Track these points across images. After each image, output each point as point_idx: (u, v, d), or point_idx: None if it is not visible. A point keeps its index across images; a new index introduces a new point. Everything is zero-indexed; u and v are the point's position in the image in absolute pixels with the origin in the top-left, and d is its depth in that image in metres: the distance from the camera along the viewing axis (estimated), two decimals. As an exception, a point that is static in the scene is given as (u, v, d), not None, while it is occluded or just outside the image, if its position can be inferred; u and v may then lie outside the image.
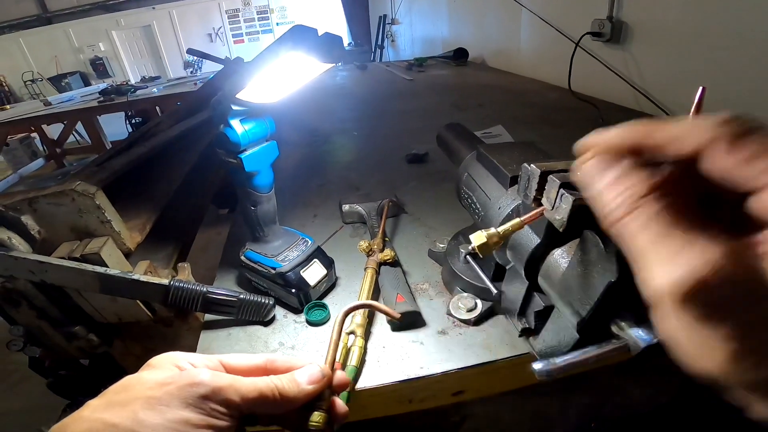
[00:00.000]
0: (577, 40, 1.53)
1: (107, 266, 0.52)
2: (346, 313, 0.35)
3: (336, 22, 7.30)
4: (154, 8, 8.49)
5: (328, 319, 0.55)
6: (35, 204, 0.55)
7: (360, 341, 0.49)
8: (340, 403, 0.34)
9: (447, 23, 3.31)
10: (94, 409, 0.25)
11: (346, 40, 6.40)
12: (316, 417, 0.32)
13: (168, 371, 0.28)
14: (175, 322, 0.60)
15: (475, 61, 2.70)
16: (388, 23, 5.10)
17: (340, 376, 0.35)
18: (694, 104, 0.28)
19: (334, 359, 0.35)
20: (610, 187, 0.19)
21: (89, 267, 0.51)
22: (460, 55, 2.66)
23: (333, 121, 1.56)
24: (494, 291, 0.49)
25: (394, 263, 0.60)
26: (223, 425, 0.27)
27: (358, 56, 4.60)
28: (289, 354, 0.52)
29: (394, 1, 4.71)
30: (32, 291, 0.56)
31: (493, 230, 0.33)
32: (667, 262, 0.15)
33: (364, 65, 2.91)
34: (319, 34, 0.41)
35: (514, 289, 0.48)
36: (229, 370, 0.32)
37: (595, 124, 1.22)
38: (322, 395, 0.33)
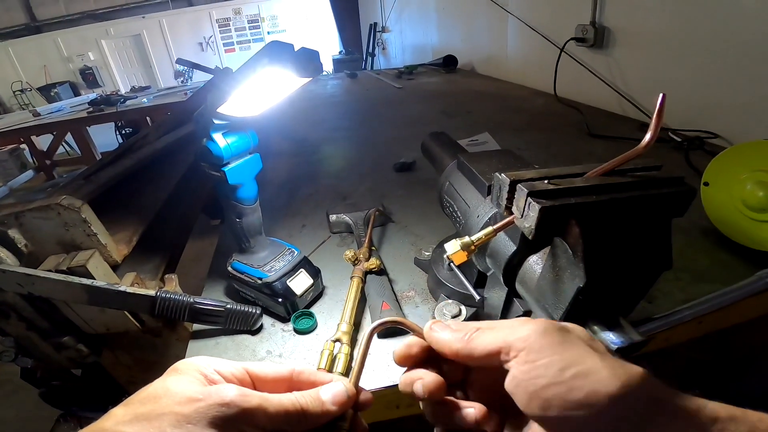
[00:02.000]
0: (561, 45, 1.55)
1: (94, 278, 0.53)
2: (374, 330, 0.34)
3: (327, 31, 7.34)
4: (144, 17, 8.49)
5: (315, 328, 0.56)
6: (21, 218, 0.55)
7: (346, 348, 0.49)
8: (362, 422, 0.33)
9: (436, 31, 3.35)
10: (117, 421, 0.24)
11: (337, 48, 6.44)
12: None
13: (195, 382, 0.28)
14: (163, 332, 0.61)
15: (465, 68, 2.73)
16: (379, 31, 5.14)
17: (364, 394, 0.33)
18: (656, 109, 0.30)
19: (359, 377, 0.33)
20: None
21: (76, 279, 0.51)
22: (449, 62, 2.69)
23: (323, 130, 1.57)
24: (477, 297, 0.50)
25: (380, 272, 0.61)
26: None
27: (349, 64, 4.63)
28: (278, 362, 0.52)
29: (385, 9, 4.75)
30: (20, 303, 0.56)
31: (467, 239, 0.34)
32: None
33: (354, 74, 2.93)
34: (296, 49, 0.42)
35: (495, 295, 0.49)
36: (255, 380, 0.31)
37: (580, 129, 1.24)
38: (344, 415, 0.31)
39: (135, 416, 0.24)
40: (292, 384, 0.32)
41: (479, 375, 0.30)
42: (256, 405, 0.27)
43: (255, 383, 0.31)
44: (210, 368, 0.29)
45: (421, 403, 0.30)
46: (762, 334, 0.82)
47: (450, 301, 0.55)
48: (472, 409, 0.28)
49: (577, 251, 0.31)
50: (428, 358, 0.31)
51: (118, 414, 0.25)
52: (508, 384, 0.25)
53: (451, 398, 0.30)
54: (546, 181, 0.32)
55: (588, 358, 0.23)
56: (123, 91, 5.26)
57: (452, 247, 0.34)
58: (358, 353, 0.33)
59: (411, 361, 0.31)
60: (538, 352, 0.24)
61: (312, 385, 0.32)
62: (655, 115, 0.30)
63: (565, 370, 0.23)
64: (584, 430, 0.22)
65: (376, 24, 5.15)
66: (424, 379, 0.28)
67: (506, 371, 0.26)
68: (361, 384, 0.32)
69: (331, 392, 0.30)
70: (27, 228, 0.56)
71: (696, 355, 0.93)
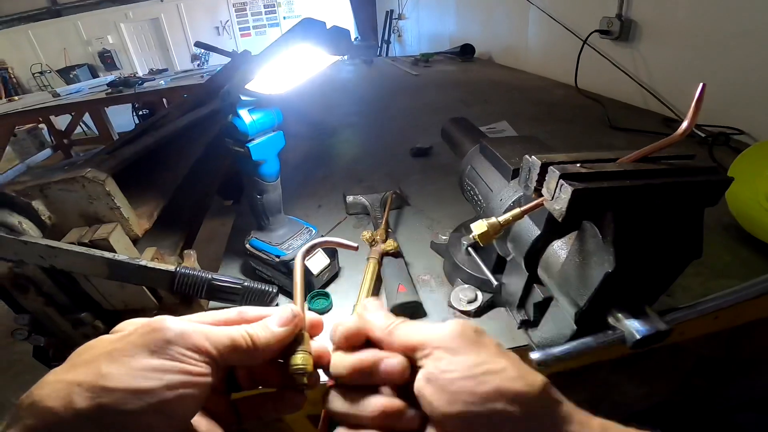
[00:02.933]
0: (584, 37, 1.52)
1: (115, 252, 0.53)
2: (306, 251, 0.35)
3: (343, 17, 7.28)
4: (162, 1, 8.51)
5: (330, 308, 0.56)
6: (46, 190, 0.56)
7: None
8: (319, 344, 0.32)
9: (454, 19, 3.30)
10: (57, 373, 0.24)
11: (353, 34, 6.38)
12: (299, 359, 0.30)
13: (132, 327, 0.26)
14: (179, 310, 0.61)
15: (482, 57, 2.69)
16: (395, 18, 5.09)
17: (312, 316, 0.33)
18: (695, 98, 0.29)
19: (303, 300, 0.33)
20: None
21: (98, 252, 0.52)
22: (466, 51, 2.65)
23: (339, 115, 1.57)
24: (495, 283, 0.50)
25: (397, 254, 0.61)
26: (197, 371, 0.25)
27: (364, 51, 4.58)
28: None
29: (402, -4, 4.70)
30: (41, 276, 0.57)
31: (494, 219, 0.34)
32: None
33: (369, 60, 2.91)
34: (327, 27, 0.41)
35: (514, 281, 0.49)
36: None
37: (601, 121, 1.22)
38: (299, 339, 0.31)
39: (72, 365, 0.24)
40: (239, 323, 0.30)
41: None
42: (194, 328, 0.26)
43: None
44: (152, 319, 0.27)
45: (332, 363, 0.29)
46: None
47: (466, 286, 0.55)
48: (397, 358, 0.27)
49: (608, 236, 0.30)
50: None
51: (57, 369, 0.24)
52: (417, 383, 0.25)
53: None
54: (578, 165, 0.31)
55: (499, 358, 0.25)
56: (141, 74, 5.30)
57: (479, 227, 0.33)
58: (295, 278, 0.34)
59: (349, 345, 0.30)
60: (453, 350, 0.25)
61: (257, 320, 0.31)
62: (693, 104, 0.29)
63: (476, 366, 0.24)
64: (486, 425, 0.23)
65: (392, 11, 5.09)
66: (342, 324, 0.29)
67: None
68: None
69: (277, 317, 0.30)
70: (51, 200, 0.56)
71: (707, 353, 0.92)
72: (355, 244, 0.33)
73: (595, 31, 1.47)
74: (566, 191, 0.28)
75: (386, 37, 5.29)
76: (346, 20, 6.81)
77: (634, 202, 0.30)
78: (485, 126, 1.18)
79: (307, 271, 0.56)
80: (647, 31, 1.32)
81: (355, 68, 2.72)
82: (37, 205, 0.57)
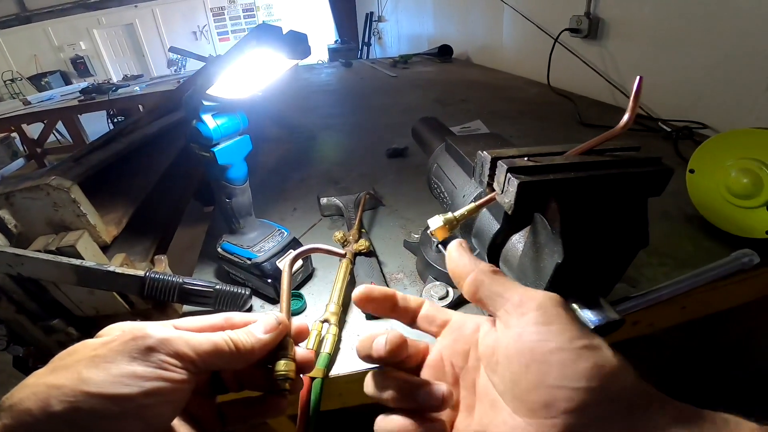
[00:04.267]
0: (556, 36, 1.55)
1: (83, 259, 0.53)
2: (294, 259, 0.35)
3: (323, 20, 7.27)
4: (136, 6, 8.38)
5: (304, 309, 0.57)
6: (11, 198, 0.55)
7: (334, 329, 0.50)
8: (303, 351, 0.33)
9: (432, 20, 3.33)
10: (38, 376, 0.24)
11: (333, 37, 6.38)
12: (282, 366, 0.30)
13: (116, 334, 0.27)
14: (153, 314, 0.61)
15: (460, 57, 2.72)
16: (375, 20, 5.10)
17: (298, 324, 0.33)
18: (633, 91, 0.30)
19: (289, 307, 0.34)
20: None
21: (65, 259, 0.51)
22: (444, 51, 2.68)
23: (316, 117, 1.57)
24: (463, 277, 0.51)
25: (369, 253, 0.62)
26: (176, 377, 0.25)
27: (344, 53, 4.60)
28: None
29: (381, -1, 4.72)
30: (10, 285, 0.56)
31: (449, 215, 0.35)
32: None
33: (349, 62, 2.92)
34: (296, 31, 0.42)
35: (481, 275, 0.50)
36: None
37: (572, 118, 1.25)
38: (284, 345, 0.32)
39: (53, 368, 0.25)
40: (224, 329, 0.31)
41: (430, 371, 0.30)
42: (176, 335, 0.27)
43: None
44: (135, 325, 0.28)
45: (372, 378, 0.29)
46: (748, 322, 0.84)
47: (438, 282, 0.56)
48: (442, 386, 0.26)
49: (555, 227, 0.32)
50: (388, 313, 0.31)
51: (38, 371, 0.25)
52: (502, 341, 0.25)
53: (414, 377, 0.29)
54: (526, 159, 0.32)
55: (593, 336, 0.23)
56: (115, 80, 5.21)
57: (435, 222, 0.34)
58: (282, 286, 0.34)
59: (371, 305, 0.30)
60: (551, 318, 0.24)
61: (245, 326, 0.31)
62: (632, 97, 0.31)
63: (575, 340, 0.23)
64: (577, 410, 0.21)
65: (372, 13, 5.11)
66: (388, 334, 0.28)
67: (468, 347, 0.27)
68: (350, 365, 0.33)
69: (262, 324, 0.31)
70: (17, 208, 0.56)
71: (680, 343, 0.95)
72: (343, 251, 0.34)
73: (566, 29, 1.51)
74: (513, 184, 0.30)
75: (366, 40, 5.30)
76: (327, 23, 6.81)
77: (579, 194, 0.31)
78: (459, 125, 1.19)
79: (279, 273, 0.57)
80: (614, 28, 1.36)
81: (335, 70, 2.72)
82: (3, 213, 0.56)
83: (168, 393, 0.25)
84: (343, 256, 0.32)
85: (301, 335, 0.34)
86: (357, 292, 0.30)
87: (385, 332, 0.28)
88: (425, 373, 0.30)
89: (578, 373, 0.21)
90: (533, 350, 0.23)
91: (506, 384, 0.24)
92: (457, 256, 0.30)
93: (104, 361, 0.24)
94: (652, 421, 0.21)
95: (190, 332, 0.28)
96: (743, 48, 0.93)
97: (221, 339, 0.28)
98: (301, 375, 0.35)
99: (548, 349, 0.22)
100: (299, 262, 0.59)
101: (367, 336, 0.29)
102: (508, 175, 0.30)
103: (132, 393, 0.23)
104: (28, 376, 0.25)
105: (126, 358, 0.24)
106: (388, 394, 0.27)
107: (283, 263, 0.35)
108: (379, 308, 0.31)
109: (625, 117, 0.31)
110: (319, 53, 5.06)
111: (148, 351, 0.25)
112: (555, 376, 0.22)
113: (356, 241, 0.62)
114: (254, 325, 0.31)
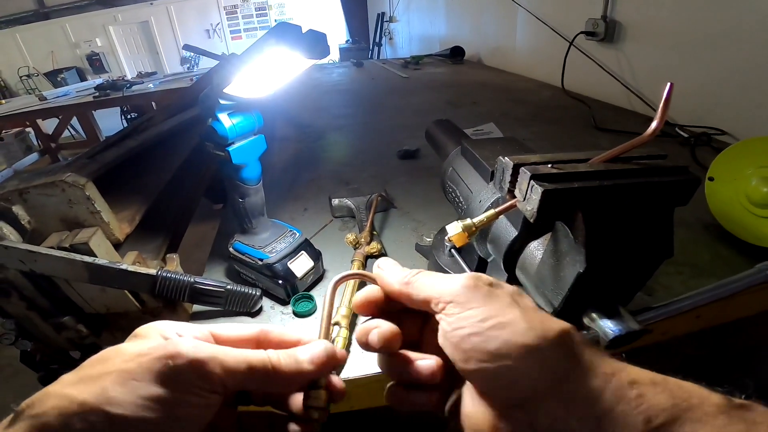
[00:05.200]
0: (571, 39, 1.54)
1: (96, 256, 0.53)
2: (337, 283, 0.33)
3: (334, 19, 7.29)
4: (152, 4, 8.48)
5: (315, 311, 0.56)
6: (26, 195, 0.55)
7: (344, 332, 0.50)
8: (336, 379, 0.30)
9: (444, 21, 3.32)
10: (64, 384, 0.23)
11: (344, 37, 6.40)
12: (315, 395, 0.29)
13: (152, 341, 0.26)
14: (163, 313, 0.61)
15: (472, 59, 2.70)
16: (386, 21, 5.10)
17: (339, 352, 0.31)
18: (663, 98, 0.29)
19: (329, 334, 0.31)
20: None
21: (78, 256, 0.51)
22: (456, 53, 2.66)
23: (327, 117, 1.57)
24: (476, 283, 0.50)
25: (381, 256, 0.61)
26: (201, 402, 0.24)
27: (355, 53, 4.61)
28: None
29: (393, -1, 4.72)
30: (22, 281, 0.57)
31: (468, 221, 0.34)
32: None
33: (360, 62, 2.91)
34: (304, 31, 0.42)
35: (495, 282, 0.49)
36: (219, 341, 0.29)
37: (587, 122, 1.23)
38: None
39: (80, 378, 0.24)
40: (260, 344, 0.30)
41: (433, 334, 0.28)
42: (209, 355, 0.25)
43: (220, 344, 0.28)
44: (171, 330, 0.27)
45: (377, 357, 0.29)
46: (760, 329, 0.82)
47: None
48: (427, 362, 0.27)
49: (579, 236, 0.31)
50: (388, 310, 0.30)
51: (66, 378, 0.24)
52: (439, 338, 0.25)
53: (406, 351, 0.29)
54: (550, 166, 0.31)
55: (509, 310, 0.23)
56: (129, 77, 5.26)
57: (454, 228, 0.34)
58: (324, 311, 0.32)
59: (370, 309, 0.30)
60: (463, 305, 0.24)
61: (279, 344, 0.30)
62: (661, 104, 0.30)
63: (484, 321, 0.23)
64: (501, 382, 0.22)
65: (384, 14, 5.11)
66: (380, 328, 0.28)
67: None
68: (360, 368, 0.31)
69: (309, 352, 0.29)
70: (31, 205, 0.56)
71: (691, 351, 0.93)
72: (373, 275, 0.32)
73: (581, 32, 1.49)
74: (536, 192, 0.29)
75: (377, 40, 5.31)
76: (338, 23, 6.82)
77: (604, 203, 0.30)
78: (472, 128, 1.18)
79: (291, 275, 0.56)
80: (631, 32, 1.34)
81: (346, 70, 2.72)
82: (17, 210, 0.56)
83: (193, 417, 0.24)
84: (375, 282, 0.30)
85: (339, 363, 0.31)
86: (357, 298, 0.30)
87: (376, 326, 0.28)
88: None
89: (488, 354, 0.22)
90: (451, 340, 0.24)
91: (458, 371, 0.25)
92: (384, 274, 0.30)
93: (132, 378, 0.23)
94: (580, 391, 0.21)
95: (226, 349, 0.26)
96: (763, 53, 0.91)
97: (258, 359, 0.27)
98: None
99: (461, 337, 0.23)
100: (310, 264, 0.59)
101: (364, 326, 0.28)
102: (532, 182, 0.29)
103: (156, 418, 0.23)
104: (36, 372, 0.25)
105: (155, 378, 0.24)
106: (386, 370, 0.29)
107: (328, 287, 0.33)
108: (376, 310, 0.30)
109: (654, 124, 0.30)
110: (330, 53, 5.08)
111: (177, 374, 0.24)
112: (475, 360, 0.22)
113: (368, 244, 0.62)
114: (301, 350, 0.29)
